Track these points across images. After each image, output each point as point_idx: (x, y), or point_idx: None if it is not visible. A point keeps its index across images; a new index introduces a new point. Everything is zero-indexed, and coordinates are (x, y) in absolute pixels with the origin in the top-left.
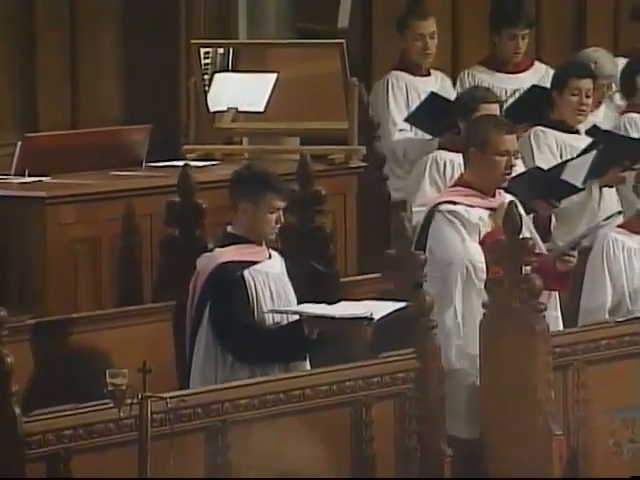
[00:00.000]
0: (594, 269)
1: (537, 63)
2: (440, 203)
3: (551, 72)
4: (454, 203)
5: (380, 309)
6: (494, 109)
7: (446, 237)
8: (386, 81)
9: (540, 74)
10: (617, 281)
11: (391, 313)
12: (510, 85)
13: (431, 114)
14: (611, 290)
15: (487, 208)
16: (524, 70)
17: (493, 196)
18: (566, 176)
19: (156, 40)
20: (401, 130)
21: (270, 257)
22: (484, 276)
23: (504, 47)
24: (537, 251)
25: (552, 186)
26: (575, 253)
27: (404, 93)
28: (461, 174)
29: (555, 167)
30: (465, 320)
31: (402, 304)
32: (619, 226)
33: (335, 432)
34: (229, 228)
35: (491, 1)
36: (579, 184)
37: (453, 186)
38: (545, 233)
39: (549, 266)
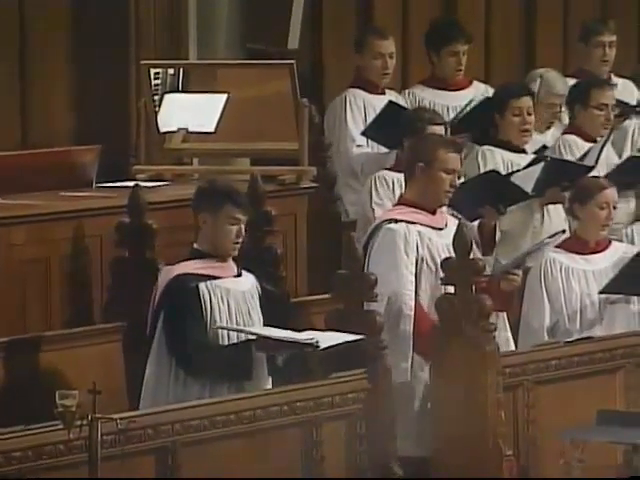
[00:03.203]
0: (532, 289)
1: (476, 82)
2: (382, 222)
3: (490, 90)
4: (396, 221)
5: (329, 339)
6: (440, 131)
7: (379, 264)
8: (344, 98)
9: (479, 92)
10: (555, 301)
11: (340, 344)
12: (452, 102)
13: (389, 124)
14: (549, 310)
15: (428, 225)
16: (464, 88)
17: (434, 213)
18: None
19: (106, 61)
20: (359, 146)
21: (240, 275)
22: (412, 303)
23: (445, 65)
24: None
25: (500, 192)
26: (519, 272)
27: (362, 110)
28: (401, 194)
29: (504, 176)
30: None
31: (354, 337)
32: (557, 246)
33: (286, 452)
34: (195, 245)
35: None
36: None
37: (395, 205)
38: (489, 243)
39: (493, 286)
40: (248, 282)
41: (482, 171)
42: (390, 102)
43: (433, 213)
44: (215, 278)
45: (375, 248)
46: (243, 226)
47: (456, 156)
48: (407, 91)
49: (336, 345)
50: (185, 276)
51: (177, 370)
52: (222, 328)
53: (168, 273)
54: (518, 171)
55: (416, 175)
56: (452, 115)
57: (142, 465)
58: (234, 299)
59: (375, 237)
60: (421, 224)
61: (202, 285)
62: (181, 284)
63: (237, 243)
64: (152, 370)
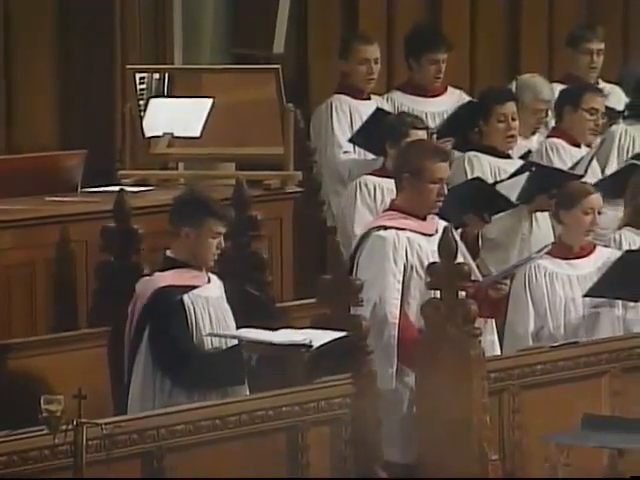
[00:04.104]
0: (517, 294)
1: (450, 88)
2: (372, 228)
3: (465, 97)
4: (385, 228)
5: (320, 337)
6: (422, 135)
7: (367, 271)
8: (329, 104)
9: (455, 98)
10: (539, 306)
11: (330, 342)
12: (430, 108)
13: (376, 131)
14: (533, 315)
15: (418, 232)
16: (440, 94)
17: (424, 219)
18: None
19: (91, 65)
20: (345, 152)
21: (209, 281)
22: (397, 312)
23: (424, 72)
24: (472, 278)
25: (484, 200)
26: (507, 282)
27: (348, 116)
28: (392, 200)
29: (488, 184)
30: None
31: (342, 333)
32: None
33: (271, 457)
34: (168, 252)
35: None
36: (513, 200)
37: (386, 211)
38: (473, 250)
39: (481, 293)
40: (217, 287)
41: (469, 177)
42: (378, 109)
43: (423, 219)
44: (194, 287)
45: (364, 255)
46: (222, 237)
47: (443, 165)
48: (385, 96)
49: (329, 342)
50: (168, 288)
51: (162, 382)
52: (215, 335)
53: (148, 285)
54: (503, 180)
55: (404, 185)
56: (430, 121)
57: (128, 470)
58: (212, 307)
59: (364, 244)
60: (411, 230)
61: (186, 297)
62: (166, 297)
63: (215, 255)
64: (138, 383)
